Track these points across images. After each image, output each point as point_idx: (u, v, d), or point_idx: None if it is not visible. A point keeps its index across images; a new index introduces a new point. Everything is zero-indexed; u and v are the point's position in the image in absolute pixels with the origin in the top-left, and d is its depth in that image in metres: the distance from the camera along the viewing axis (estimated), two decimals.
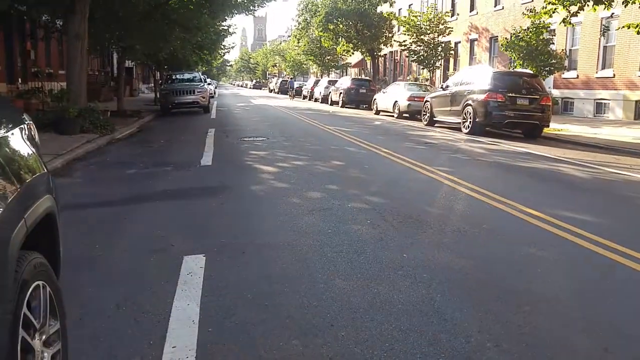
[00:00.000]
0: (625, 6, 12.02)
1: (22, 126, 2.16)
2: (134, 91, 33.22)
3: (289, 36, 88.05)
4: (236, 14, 24.16)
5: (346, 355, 2.48)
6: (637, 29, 11.49)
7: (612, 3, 12.10)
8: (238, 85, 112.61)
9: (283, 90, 51.01)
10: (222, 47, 37.04)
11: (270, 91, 60.45)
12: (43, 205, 1.99)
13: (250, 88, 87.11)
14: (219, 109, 24.02)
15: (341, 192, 6.17)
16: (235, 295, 3.17)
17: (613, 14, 16.97)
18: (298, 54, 53.19)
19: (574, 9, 12.29)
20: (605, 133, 14.83)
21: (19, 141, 2.05)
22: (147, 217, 5.08)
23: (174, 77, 22.11)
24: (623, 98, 19.54)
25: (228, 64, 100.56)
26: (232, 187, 6.52)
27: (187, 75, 22.69)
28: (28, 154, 2.11)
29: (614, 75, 19.83)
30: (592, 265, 3.87)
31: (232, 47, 44.47)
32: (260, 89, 79.38)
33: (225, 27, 30.28)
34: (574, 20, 13.86)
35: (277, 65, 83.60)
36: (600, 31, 13.60)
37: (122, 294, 3.17)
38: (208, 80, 37.29)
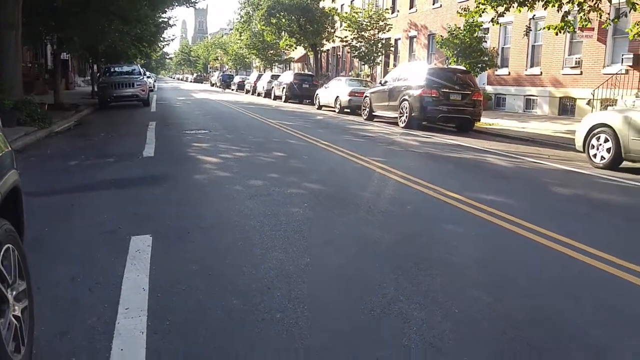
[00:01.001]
0: (545, 8, 13.02)
1: None
2: (70, 84, 32.16)
3: (230, 29, 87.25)
4: (177, 5, 24.01)
5: (280, 309, 2.88)
6: (555, 30, 12.47)
7: (534, 5, 13.05)
8: (178, 79, 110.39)
9: (225, 84, 50.90)
10: (162, 39, 36.47)
11: (212, 85, 59.92)
12: (11, 178, 2.26)
13: (191, 82, 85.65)
14: (159, 103, 23.78)
15: (281, 180, 6.55)
16: (181, 268, 3.49)
17: (535, 15, 18.16)
18: (240, 47, 52.95)
19: (500, 9, 13.16)
20: (531, 127, 15.93)
21: None
22: (93, 204, 5.27)
23: (112, 70, 21.73)
24: (549, 94, 20.94)
25: (167, 57, 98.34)
26: (175, 176, 6.75)
27: (125, 68, 22.35)
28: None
29: (541, 73, 21.20)
30: (500, 238, 4.44)
31: (172, 40, 43.92)
32: (202, 82, 78.23)
33: (166, 19, 29.93)
34: (505, 19, 14.76)
35: (219, 58, 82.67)
36: (525, 32, 14.57)
37: (75, 270, 3.42)
38: (147, 73, 36.62)
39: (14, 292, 2.18)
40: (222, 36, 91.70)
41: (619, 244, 4.33)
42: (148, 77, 31.53)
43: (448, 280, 3.40)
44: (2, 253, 2.05)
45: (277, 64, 51.21)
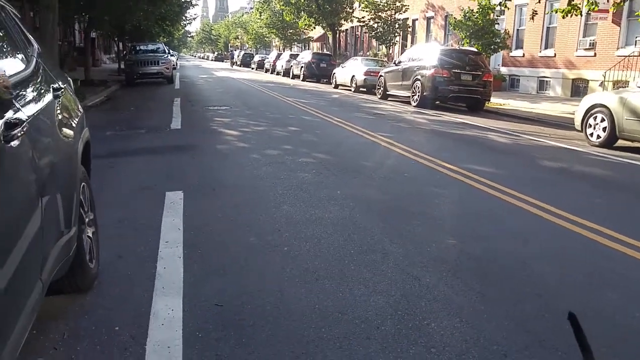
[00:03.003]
0: None
1: (69, 79, 3.18)
2: (97, 61, 33.17)
3: (251, 8, 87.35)
4: None
5: (287, 244, 3.64)
6: (562, 13, 12.86)
7: None
8: (199, 58, 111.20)
9: (245, 63, 51.60)
10: (184, 18, 37.13)
11: (233, 64, 60.65)
12: (86, 134, 3.04)
13: (212, 60, 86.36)
14: (182, 80, 24.59)
15: (294, 150, 7.29)
16: (209, 215, 4.26)
17: None
18: (260, 27, 53.37)
19: None
20: (541, 108, 16.35)
21: (70, 90, 3.08)
22: (129, 167, 6.08)
23: (138, 49, 22.55)
24: (562, 76, 21.19)
25: (189, 35, 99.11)
26: (201, 146, 7.54)
27: (150, 47, 23.13)
28: (75, 98, 3.14)
29: (555, 54, 21.43)
30: (478, 199, 5.13)
31: (194, 19, 44.46)
32: (222, 61, 78.91)
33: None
34: (520, 1, 15.12)
35: (240, 37, 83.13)
36: (531, 16, 14.92)
37: (121, 215, 4.21)
38: (170, 51, 37.44)
39: (87, 219, 2.96)
40: (243, 15, 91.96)
41: (581, 206, 4.98)
42: (172, 55, 32.37)
43: (426, 229, 4.12)
44: (81, 188, 2.82)
45: (296, 43, 51.58)
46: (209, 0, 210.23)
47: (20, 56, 2.39)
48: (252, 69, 45.75)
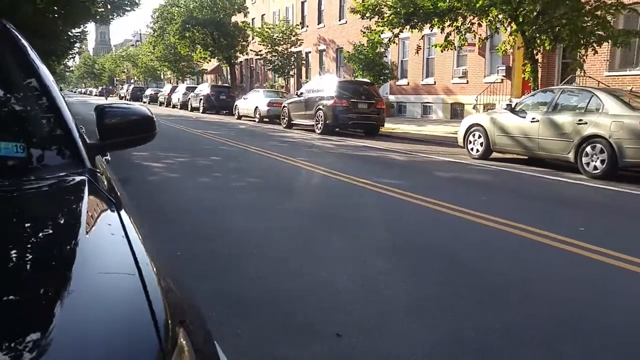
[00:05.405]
0: (431, 30, 15.51)
1: None
2: None
3: (137, 41, 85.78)
4: (91, 21, 24.41)
5: (256, 247, 4.48)
6: (440, 47, 14.95)
7: (423, 27, 15.47)
8: (81, 93, 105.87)
9: (135, 97, 50.72)
10: (70, 53, 36.07)
11: (121, 98, 59.07)
12: None
13: (97, 95, 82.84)
14: (76, 117, 24.00)
15: (226, 177, 8.08)
16: (167, 240, 4.97)
17: (425, 34, 20.82)
18: (152, 60, 52.87)
19: (396, 31, 15.47)
20: (427, 130, 18.46)
21: None
22: None
23: None
24: (442, 101, 23.87)
25: (68, 70, 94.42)
26: (131, 178, 7.95)
27: None
28: None
29: (435, 82, 24.11)
30: (388, 202, 6.29)
31: (80, 53, 43.17)
32: (109, 96, 76.29)
33: (77, 34, 29.96)
34: (403, 35, 17.17)
35: (127, 71, 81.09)
36: (416, 50, 17.05)
37: None
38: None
39: None
40: (129, 48, 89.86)
41: (465, 201, 6.31)
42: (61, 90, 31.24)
43: (346, 226, 5.16)
44: None
45: (189, 75, 51.72)
46: (89, 32, 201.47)
47: None
48: (144, 102, 45.15)
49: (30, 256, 1.09)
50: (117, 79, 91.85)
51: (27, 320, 0.83)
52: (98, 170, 1.60)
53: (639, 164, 8.61)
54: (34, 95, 1.66)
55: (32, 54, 1.79)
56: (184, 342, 0.87)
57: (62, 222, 1.26)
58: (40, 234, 1.18)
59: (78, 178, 1.43)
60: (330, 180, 7.84)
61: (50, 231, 1.22)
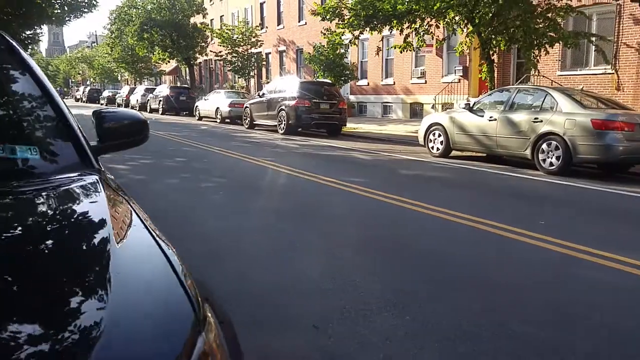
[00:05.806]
0: (390, 32, 15.85)
1: None
2: None
3: (93, 42, 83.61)
4: (47, 24, 23.80)
5: (236, 240, 4.58)
6: (399, 48, 15.30)
7: (382, 29, 15.80)
8: None
9: (92, 99, 49.81)
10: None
11: (77, 100, 57.63)
12: None
13: None
14: None
15: (193, 177, 8.10)
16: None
17: (383, 37, 21.21)
18: (109, 61, 51.75)
19: (356, 33, 15.74)
20: (388, 129, 18.81)
21: None
22: None
23: None
24: (402, 101, 24.33)
25: None
26: None
27: None
28: None
29: (394, 83, 24.55)
30: (357, 200, 6.48)
31: (34, 54, 41.87)
32: (64, 98, 74.13)
33: (31, 35, 29.07)
34: (362, 37, 17.49)
35: (82, 72, 78.97)
36: (376, 51, 17.40)
37: None
38: None
39: None
40: (84, 49, 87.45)
41: (425, 196, 6.57)
42: None
43: (318, 223, 5.33)
44: None
45: (147, 77, 50.84)
46: (43, 35, 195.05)
47: None
48: (102, 104, 44.16)
49: (75, 245, 1.21)
50: (73, 80, 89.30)
51: (87, 299, 0.97)
52: (104, 170, 1.71)
53: (591, 160, 9.11)
54: (41, 102, 1.75)
55: (32, 63, 1.88)
56: (210, 315, 1.00)
57: (91, 216, 1.38)
58: (75, 227, 1.31)
59: (91, 177, 1.55)
60: (297, 180, 7.98)
61: (85, 222, 1.34)
